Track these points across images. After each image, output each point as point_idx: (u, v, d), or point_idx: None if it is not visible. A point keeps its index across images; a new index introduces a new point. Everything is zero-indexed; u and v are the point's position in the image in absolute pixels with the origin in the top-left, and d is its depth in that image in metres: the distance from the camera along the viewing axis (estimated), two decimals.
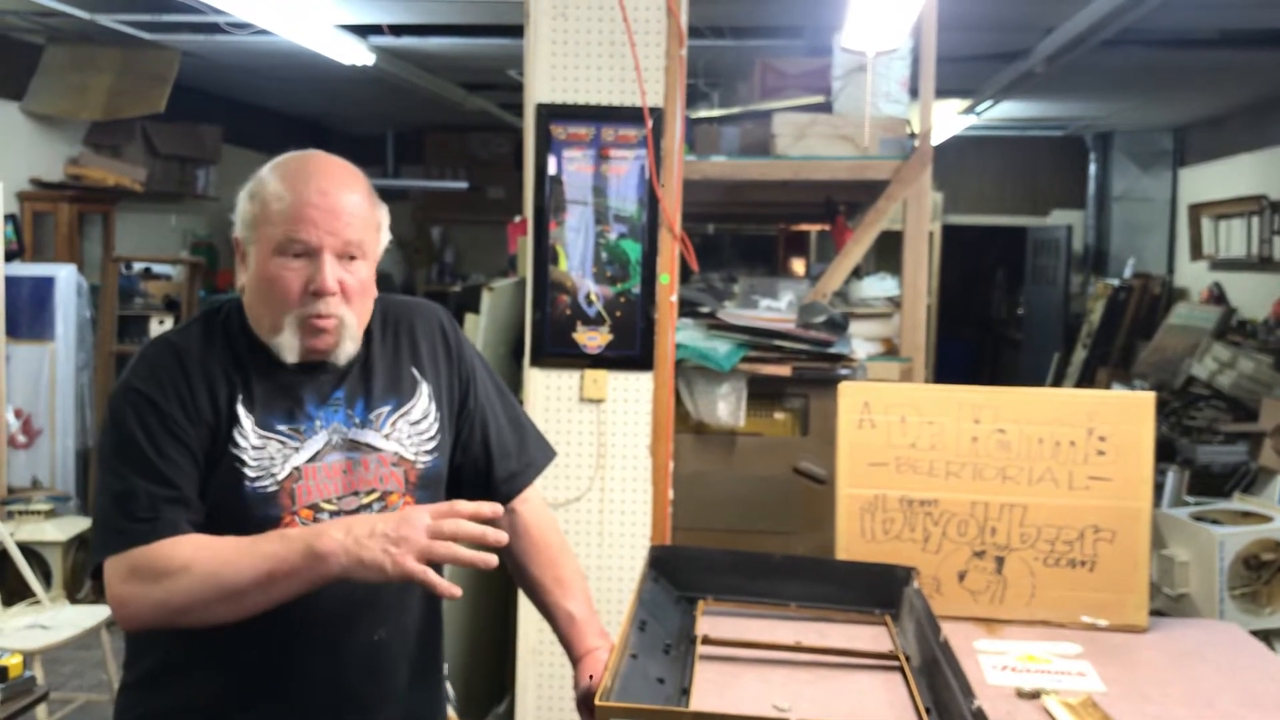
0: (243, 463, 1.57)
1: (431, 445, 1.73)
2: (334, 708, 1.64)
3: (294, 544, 1.46)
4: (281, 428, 1.61)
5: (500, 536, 1.48)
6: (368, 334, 1.71)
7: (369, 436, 1.66)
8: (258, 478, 1.58)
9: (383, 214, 1.70)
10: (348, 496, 1.63)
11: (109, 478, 1.56)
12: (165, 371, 1.59)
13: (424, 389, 1.74)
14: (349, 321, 1.62)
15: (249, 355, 1.64)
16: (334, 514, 1.60)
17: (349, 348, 1.64)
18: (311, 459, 1.61)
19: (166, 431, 1.55)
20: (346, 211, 1.60)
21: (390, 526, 1.44)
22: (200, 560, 1.47)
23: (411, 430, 1.71)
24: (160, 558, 1.48)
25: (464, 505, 1.47)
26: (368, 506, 1.63)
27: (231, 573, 1.46)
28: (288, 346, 1.60)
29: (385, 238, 1.71)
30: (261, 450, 1.59)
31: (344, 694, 1.65)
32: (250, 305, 1.65)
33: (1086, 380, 9.04)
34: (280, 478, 1.59)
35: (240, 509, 1.56)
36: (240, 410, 1.59)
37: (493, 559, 1.48)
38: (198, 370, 1.60)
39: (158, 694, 1.65)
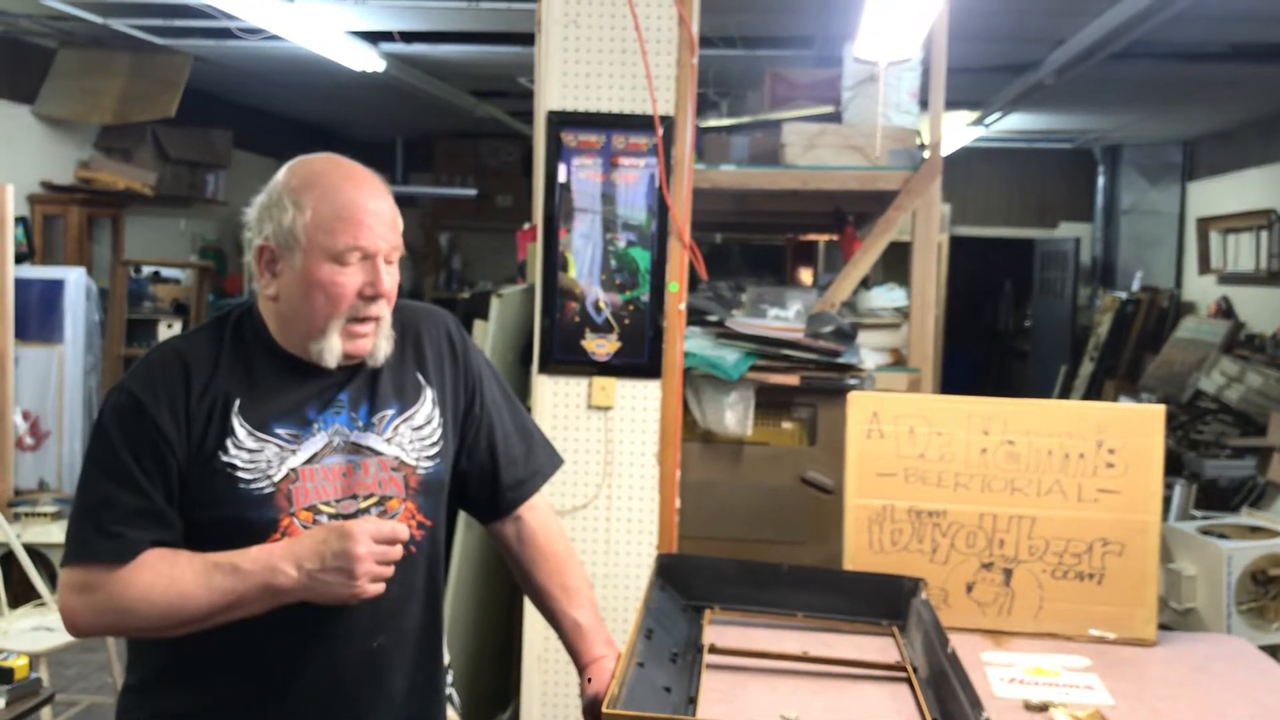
0: (235, 467, 1.57)
1: (434, 451, 1.72)
2: (332, 714, 1.64)
3: (250, 579, 1.51)
4: (280, 430, 1.60)
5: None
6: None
7: (370, 440, 1.66)
8: (253, 480, 1.57)
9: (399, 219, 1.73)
10: (346, 499, 1.62)
11: (85, 485, 1.58)
12: (163, 378, 1.59)
13: (428, 394, 1.74)
14: (386, 321, 1.66)
15: (257, 359, 1.64)
16: (332, 517, 1.60)
17: (385, 346, 1.67)
18: (309, 460, 1.61)
19: (148, 439, 1.55)
20: (391, 215, 1.64)
21: (340, 560, 1.50)
22: (156, 592, 1.51)
23: (414, 435, 1.71)
24: (117, 585, 1.52)
25: (403, 532, 1.55)
26: (365, 511, 1.63)
27: (190, 606, 1.52)
28: (331, 350, 1.61)
29: None
30: (259, 453, 1.58)
31: (342, 700, 1.64)
32: (286, 311, 1.63)
33: (1093, 393, 9.03)
34: (276, 479, 1.58)
35: (236, 511, 1.56)
36: (234, 421, 1.59)
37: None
38: (199, 377, 1.60)
39: (158, 697, 1.65)
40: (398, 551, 1.53)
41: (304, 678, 1.62)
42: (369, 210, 1.60)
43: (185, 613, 1.52)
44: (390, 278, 1.63)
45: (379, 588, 1.52)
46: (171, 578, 1.51)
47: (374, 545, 1.50)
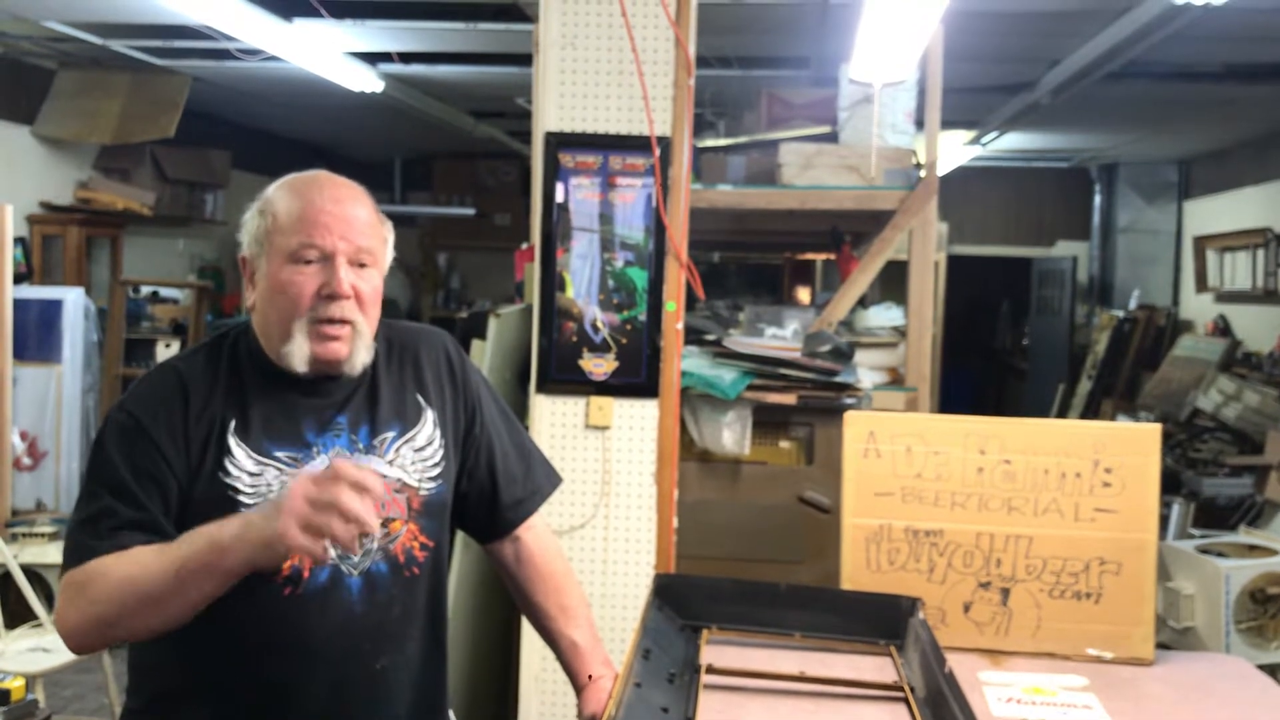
0: (237, 490, 1.57)
1: (436, 472, 1.73)
2: None
3: (197, 540, 1.45)
4: (279, 454, 1.61)
5: (372, 526, 1.39)
6: (373, 359, 1.72)
7: (372, 463, 1.66)
8: (254, 504, 1.57)
9: (388, 230, 1.71)
10: None
11: (83, 498, 1.57)
12: (161, 396, 1.60)
13: (429, 416, 1.74)
14: (362, 328, 1.63)
15: (253, 379, 1.64)
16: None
17: (363, 355, 1.65)
18: None
19: (147, 457, 1.55)
20: (358, 219, 1.63)
21: (274, 503, 1.40)
22: (117, 570, 1.47)
23: (416, 457, 1.71)
24: (88, 573, 1.49)
25: (347, 470, 1.38)
26: (370, 534, 1.63)
27: (144, 577, 1.45)
28: (298, 354, 1.60)
29: (391, 254, 1.72)
30: (259, 476, 1.59)
31: None
32: (261, 319, 1.65)
33: (1091, 412, 9.03)
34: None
35: None
36: (232, 440, 1.59)
37: (374, 527, 1.40)
38: (197, 398, 1.60)
39: None
40: (338, 497, 1.36)
41: (306, 700, 1.61)
42: (325, 210, 1.60)
43: (141, 584, 1.45)
44: (361, 281, 1.62)
45: (309, 543, 1.36)
46: (131, 555, 1.48)
47: (310, 486, 1.37)
